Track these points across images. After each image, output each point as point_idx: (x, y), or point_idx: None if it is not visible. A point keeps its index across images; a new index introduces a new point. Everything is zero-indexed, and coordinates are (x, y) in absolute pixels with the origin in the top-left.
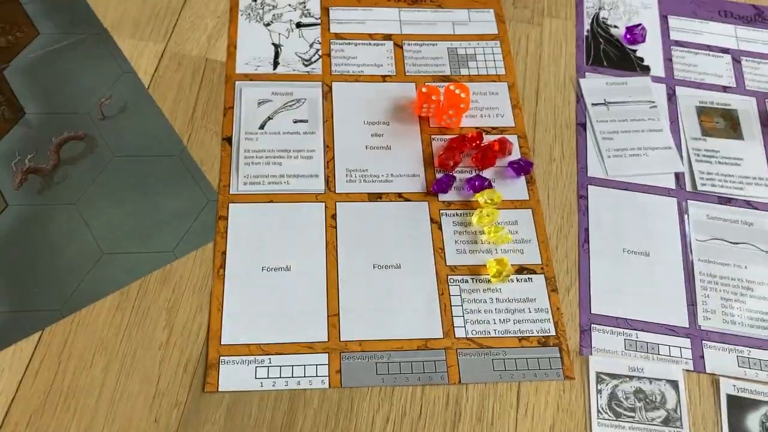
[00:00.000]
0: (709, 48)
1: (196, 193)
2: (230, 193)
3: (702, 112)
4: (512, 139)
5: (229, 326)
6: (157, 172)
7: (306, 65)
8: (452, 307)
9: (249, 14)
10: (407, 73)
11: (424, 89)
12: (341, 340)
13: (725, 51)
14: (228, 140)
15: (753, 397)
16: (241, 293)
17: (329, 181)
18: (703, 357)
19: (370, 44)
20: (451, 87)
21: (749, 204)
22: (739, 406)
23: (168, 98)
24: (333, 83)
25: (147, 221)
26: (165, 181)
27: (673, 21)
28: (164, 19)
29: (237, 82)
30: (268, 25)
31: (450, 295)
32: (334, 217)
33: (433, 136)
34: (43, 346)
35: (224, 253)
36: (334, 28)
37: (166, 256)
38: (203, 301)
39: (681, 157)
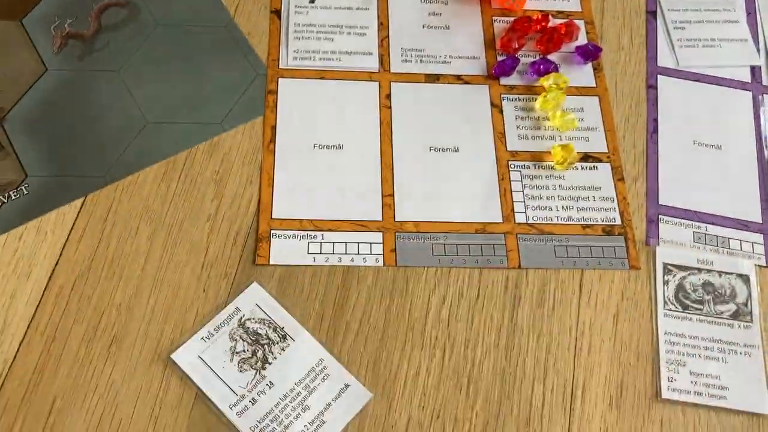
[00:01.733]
0: None
1: (244, 65)
2: (279, 67)
3: None
4: (579, 24)
5: (280, 200)
6: (204, 43)
7: None
8: (512, 193)
9: None
10: None
11: None
12: (396, 220)
13: None
14: (277, 13)
15: None
16: (292, 169)
17: (383, 60)
18: None
19: None
20: None
21: None
22: None
23: None
24: None
25: (194, 92)
26: (212, 52)
27: None
28: None
29: None
30: None
31: (510, 181)
32: (388, 96)
33: (494, 18)
34: (86, 212)
35: (274, 127)
36: None
37: (214, 128)
38: (253, 174)
39: (758, 50)
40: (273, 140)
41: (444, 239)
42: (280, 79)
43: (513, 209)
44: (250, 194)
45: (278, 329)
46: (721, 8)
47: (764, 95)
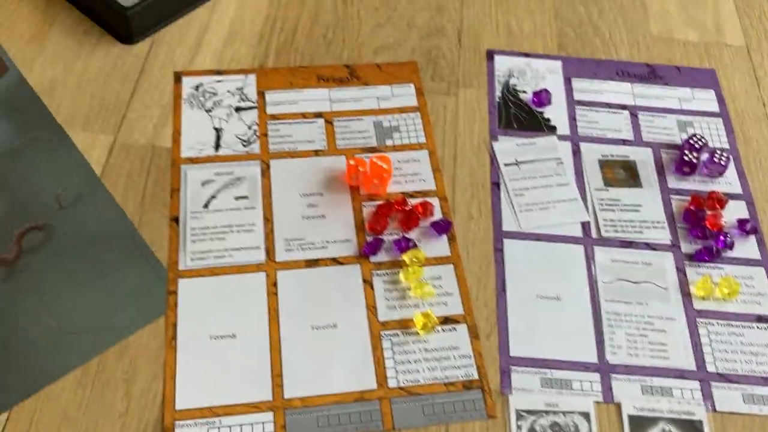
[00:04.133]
0: (609, 105)
1: (148, 271)
2: (179, 269)
3: (604, 164)
4: (434, 201)
5: (181, 392)
6: (112, 254)
7: (245, 146)
8: (384, 360)
9: (192, 102)
10: (338, 147)
11: (351, 161)
12: (284, 398)
13: (623, 107)
14: (175, 220)
15: (651, 415)
16: (192, 361)
17: (269, 251)
18: (611, 389)
19: (303, 122)
20: (374, 159)
21: (648, 246)
22: (640, 425)
23: (119, 185)
24: (270, 160)
25: (104, 301)
26: (120, 262)
27: (576, 83)
28: (113, 111)
29: (182, 166)
30: (209, 111)
31: (382, 349)
32: (275, 284)
33: (363, 203)
34: (11, 424)
35: (175, 324)
36: (270, 110)
37: (122, 331)
38: (158, 370)
39: (586, 207)
40: (174, 336)
41: (327, 411)
42: (179, 280)
43: (386, 375)
44: (155, 389)
45: None
46: (553, 173)
47: (594, 247)
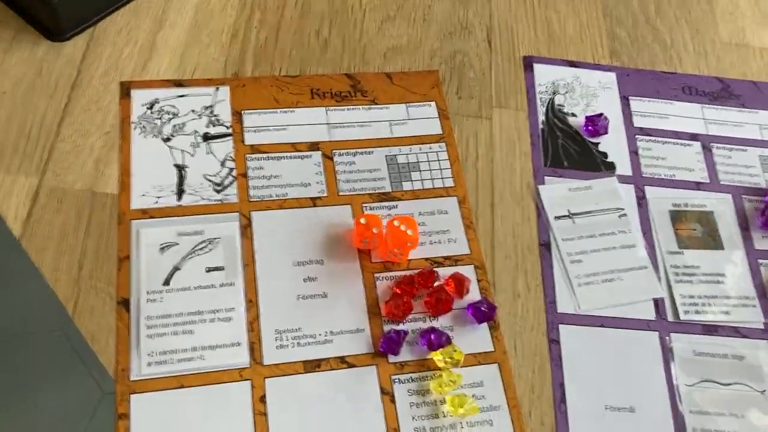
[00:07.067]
0: (676, 135)
1: (88, 383)
2: (131, 379)
3: (677, 218)
4: (468, 270)
5: None
6: (35, 356)
7: (218, 191)
8: None
9: (144, 126)
10: (340, 192)
11: (362, 220)
12: None
13: (694, 137)
14: (125, 304)
15: None
16: None
17: (254, 349)
18: None
19: (294, 157)
20: (396, 222)
21: (737, 331)
22: None
23: (48, 251)
24: (252, 213)
25: (21, 427)
26: (46, 369)
27: (635, 103)
28: (38, 140)
29: (133, 222)
30: (168, 140)
31: None
32: (263, 399)
33: (376, 275)
34: None
35: None
36: (249, 139)
37: None
38: None
39: (658, 277)
40: None
41: None
42: (132, 397)
43: None
44: None
45: None
46: (616, 230)
47: (671, 334)
